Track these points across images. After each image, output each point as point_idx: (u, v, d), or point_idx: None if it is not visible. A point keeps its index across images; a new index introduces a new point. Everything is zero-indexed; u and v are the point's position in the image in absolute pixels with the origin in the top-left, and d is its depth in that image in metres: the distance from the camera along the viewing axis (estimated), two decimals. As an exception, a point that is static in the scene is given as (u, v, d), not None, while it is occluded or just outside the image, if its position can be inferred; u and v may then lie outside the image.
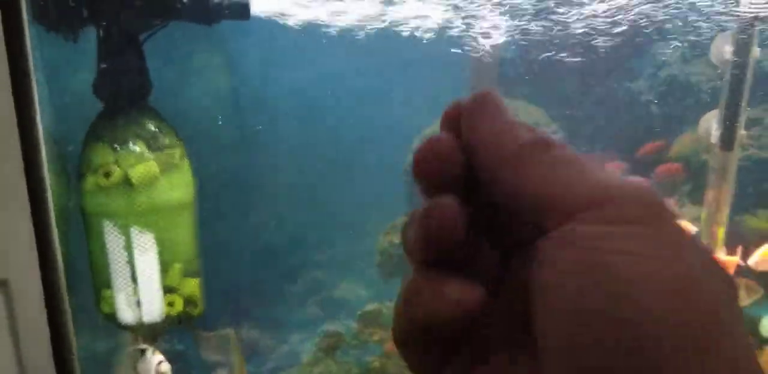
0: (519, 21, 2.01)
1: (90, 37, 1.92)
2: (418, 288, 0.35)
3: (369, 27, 1.97)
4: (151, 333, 2.00)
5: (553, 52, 2.13)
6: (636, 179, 0.33)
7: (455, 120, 0.37)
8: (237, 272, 3.22)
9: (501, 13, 2.00)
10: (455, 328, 0.34)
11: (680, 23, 2.09)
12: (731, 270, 2.26)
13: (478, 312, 0.34)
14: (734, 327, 0.30)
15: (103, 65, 1.94)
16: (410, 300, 0.35)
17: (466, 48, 2.15)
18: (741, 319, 0.31)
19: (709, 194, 2.30)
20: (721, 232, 2.30)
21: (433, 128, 3.09)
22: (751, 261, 2.31)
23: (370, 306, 3.24)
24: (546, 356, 0.31)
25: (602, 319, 0.30)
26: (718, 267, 0.32)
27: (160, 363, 1.95)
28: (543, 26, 2.02)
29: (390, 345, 3.09)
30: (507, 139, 0.35)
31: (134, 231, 1.94)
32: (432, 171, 0.36)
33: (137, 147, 1.95)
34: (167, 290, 2.02)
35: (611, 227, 0.31)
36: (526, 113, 3.07)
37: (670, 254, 0.31)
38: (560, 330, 0.31)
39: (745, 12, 2.05)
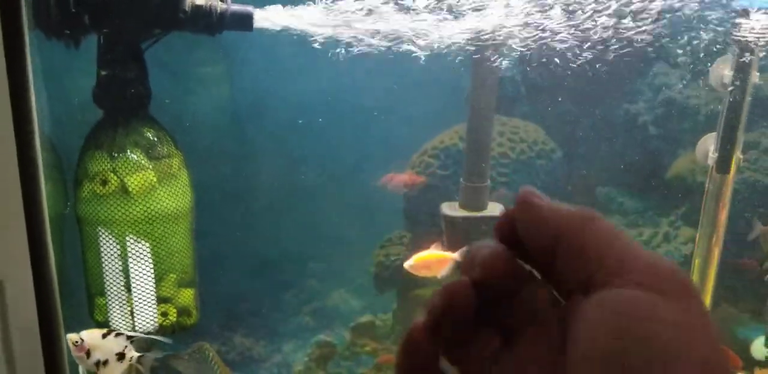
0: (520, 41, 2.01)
1: (91, 44, 1.92)
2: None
3: (372, 44, 1.97)
4: (143, 343, 1.99)
5: (553, 73, 2.14)
6: (663, 258, 0.38)
7: (507, 229, 0.43)
8: (232, 281, 3.22)
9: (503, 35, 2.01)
10: None
11: (681, 47, 2.10)
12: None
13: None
14: None
15: (104, 73, 1.93)
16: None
17: (466, 67, 2.16)
18: None
19: (705, 216, 2.30)
20: (716, 255, 2.30)
21: (433, 143, 3.11)
22: (407, 264, 2.31)
23: (364, 318, 3.24)
24: None
25: None
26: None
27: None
28: (543, 48, 2.03)
29: (382, 358, 3.08)
30: (561, 215, 0.41)
31: (130, 240, 1.94)
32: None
33: (135, 156, 1.95)
34: (161, 300, 2.01)
35: (650, 296, 0.35)
36: (525, 132, 3.08)
37: (698, 325, 0.34)
38: None
39: (744, 37, 2.06)
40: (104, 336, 1.79)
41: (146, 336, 1.89)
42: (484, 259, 0.42)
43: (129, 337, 1.81)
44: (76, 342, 1.75)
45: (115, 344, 1.79)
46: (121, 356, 1.79)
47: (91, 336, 1.78)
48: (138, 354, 1.81)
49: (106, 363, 1.78)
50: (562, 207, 0.41)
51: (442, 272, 2.26)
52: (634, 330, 0.34)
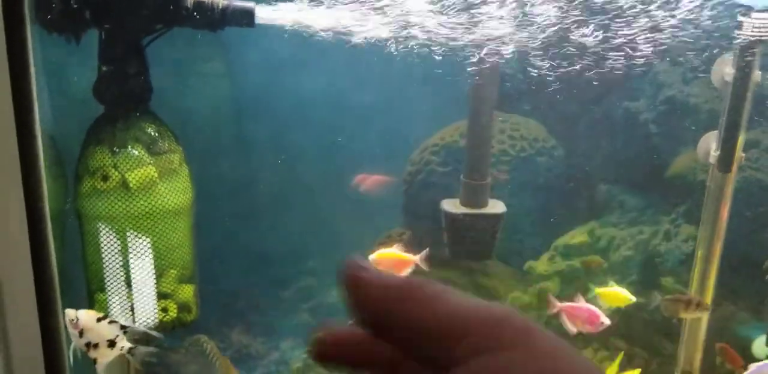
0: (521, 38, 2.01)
1: (92, 39, 1.91)
2: None
3: (372, 40, 1.97)
4: (143, 339, 1.99)
5: (555, 69, 2.13)
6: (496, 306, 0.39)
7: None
8: (230, 278, 3.22)
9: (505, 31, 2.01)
10: None
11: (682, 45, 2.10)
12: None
13: None
14: None
15: (105, 68, 1.93)
16: None
17: (468, 63, 2.16)
18: None
19: (706, 214, 2.30)
20: (717, 253, 2.30)
21: (433, 140, 3.11)
22: (369, 257, 2.26)
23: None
24: None
25: None
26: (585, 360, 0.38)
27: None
28: (545, 44, 2.03)
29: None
30: (385, 289, 0.41)
31: (130, 236, 1.93)
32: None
33: (136, 151, 1.95)
34: (161, 296, 2.01)
35: (494, 359, 0.36)
36: (526, 129, 3.08)
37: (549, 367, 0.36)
38: None
39: (747, 36, 2.05)
40: (99, 320, 1.79)
41: (140, 329, 1.89)
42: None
43: (123, 327, 1.81)
44: (72, 319, 1.75)
45: (107, 330, 1.78)
46: (111, 343, 1.78)
47: (87, 317, 1.78)
48: (130, 345, 1.80)
49: (96, 346, 1.78)
50: (388, 279, 0.41)
51: (401, 274, 2.23)
52: None
